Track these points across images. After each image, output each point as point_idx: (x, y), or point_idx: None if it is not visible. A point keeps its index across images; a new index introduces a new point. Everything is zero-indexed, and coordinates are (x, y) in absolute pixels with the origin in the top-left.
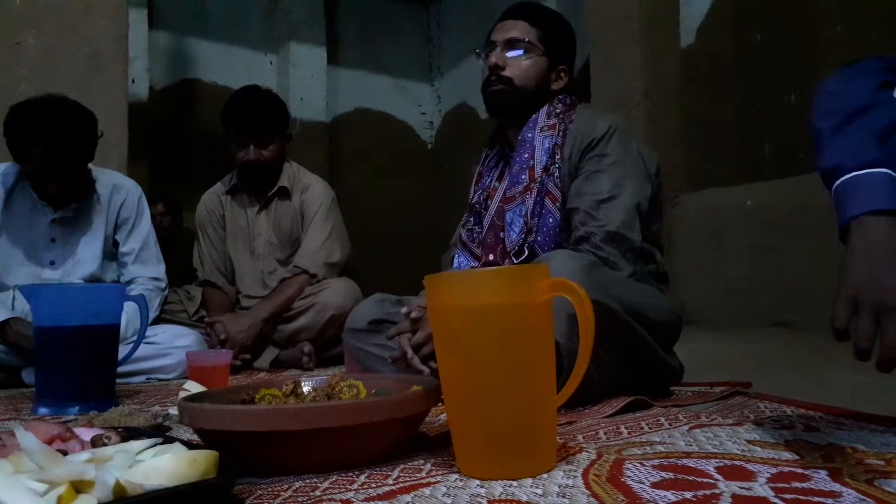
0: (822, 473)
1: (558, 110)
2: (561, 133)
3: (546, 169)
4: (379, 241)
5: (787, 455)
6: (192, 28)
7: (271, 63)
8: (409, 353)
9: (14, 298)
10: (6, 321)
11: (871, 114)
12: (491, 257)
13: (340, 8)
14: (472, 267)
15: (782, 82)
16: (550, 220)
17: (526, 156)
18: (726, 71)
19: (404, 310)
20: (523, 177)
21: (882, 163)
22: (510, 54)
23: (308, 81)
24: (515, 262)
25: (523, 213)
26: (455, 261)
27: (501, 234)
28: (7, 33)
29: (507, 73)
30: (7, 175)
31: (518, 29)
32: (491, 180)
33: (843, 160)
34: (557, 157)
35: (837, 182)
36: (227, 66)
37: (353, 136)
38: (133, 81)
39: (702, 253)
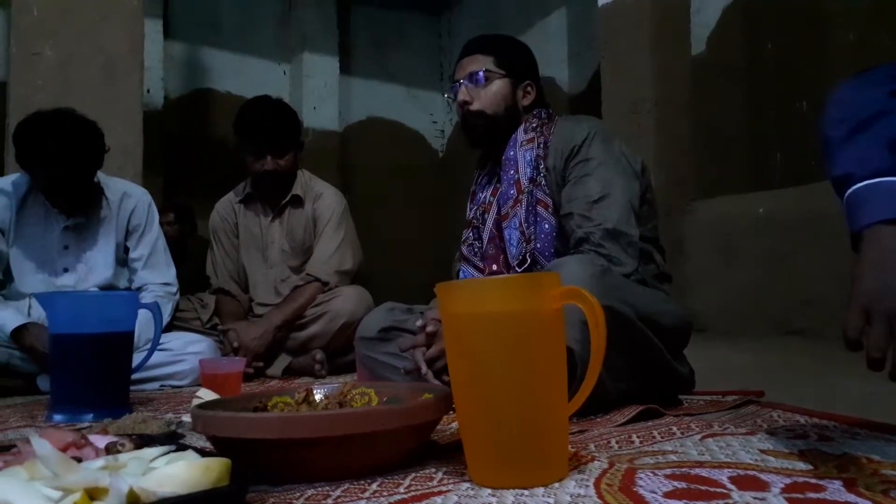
0: (837, 484)
1: (534, 124)
2: (541, 145)
3: (532, 179)
4: (390, 248)
5: (801, 465)
6: (206, 38)
7: (284, 73)
8: (424, 368)
9: (30, 307)
10: (23, 325)
11: (882, 122)
12: (494, 267)
13: (353, 18)
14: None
15: (793, 90)
16: (546, 226)
17: (512, 172)
18: (737, 79)
19: (419, 323)
20: (512, 191)
21: (894, 171)
22: (473, 87)
23: (321, 91)
24: (519, 271)
25: (518, 225)
26: (460, 275)
27: (502, 244)
28: (24, 43)
29: (476, 106)
30: (19, 184)
31: (475, 63)
32: (485, 196)
33: (854, 168)
34: (542, 167)
35: (849, 190)
36: (241, 75)
37: (364, 145)
38: (148, 91)
39: (712, 260)
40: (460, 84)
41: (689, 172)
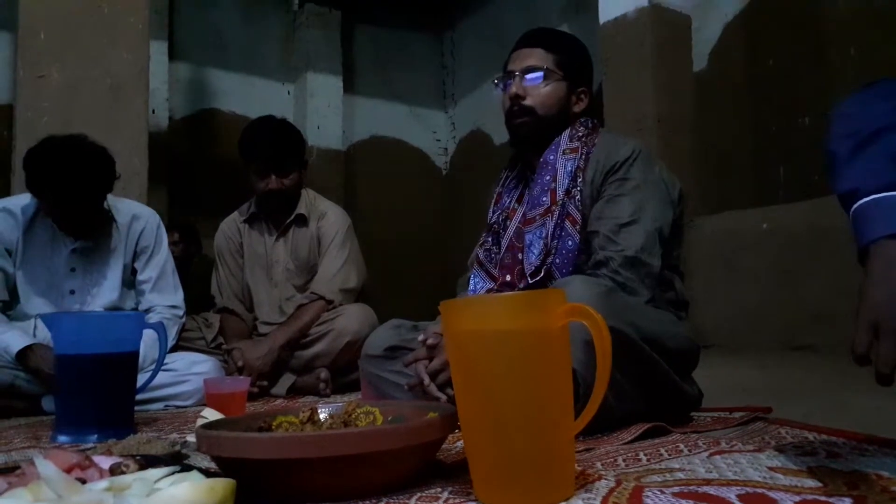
0: (847, 501)
1: (580, 133)
2: (583, 156)
3: (568, 192)
4: (394, 266)
5: (810, 482)
6: (211, 59)
7: (289, 92)
8: (426, 380)
9: (35, 328)
10: (28, 347)
11: (888, 137)
12: (508, 278)
13: (356, 38)
14: (489, 288)
15: (796, 105)
16: (570, 242)
17: (547, 178)
18: (739, 94)
19: (421, 337)
20: (544, 199)
21: None
22: (529, 82)
23: (324, 110)
24: (531, 282)
25: (543, 235)
26: (471, 281)
27: (520, 255)
28: (31, 66)
29: (528, 102)
30: (27, 206)
31: (534, 57)
32: (510, 201)
33: (861, 183)
34: (580, 179)
35: (856, 205)
36: (246, 96)
37: (368, 163)
38: (153, 112)
39: (717, 276)
40: (515, 75)
41: (692, 188)
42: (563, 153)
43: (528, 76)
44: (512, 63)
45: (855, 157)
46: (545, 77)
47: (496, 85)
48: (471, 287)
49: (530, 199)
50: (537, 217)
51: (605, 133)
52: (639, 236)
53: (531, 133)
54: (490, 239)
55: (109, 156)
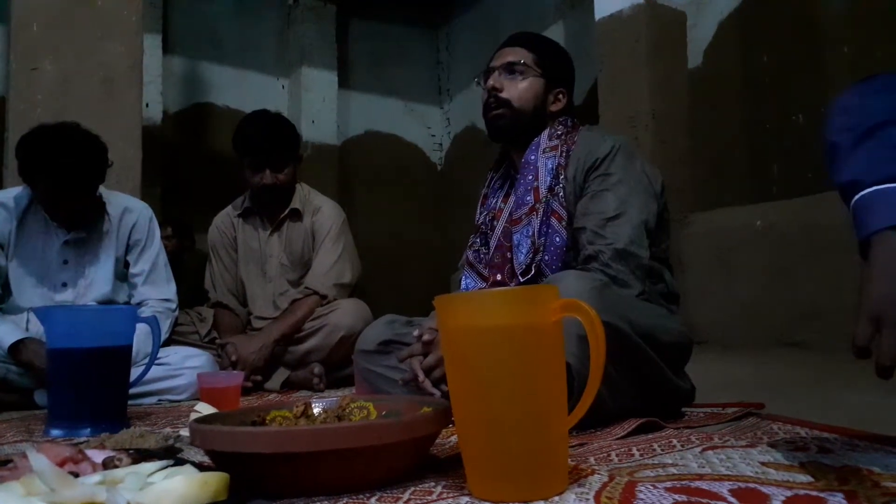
0: (838, 496)
1: (559, 132)
2: (563, 154)
3: (550, 189)
4: (389, 262)
5: (801, 477)
6: (205, 53)
7: (283, 87)
8: (421, 376)
9: (28, 321)
10: (21, 341)
11: (889, 129)
12: (499, 277)
13: (351, 33)
14: (480, 288)
15: (790, 102)
16: (557, 239)
17: (530, 177)
18: (734, 91)
19: (416, 332)
20: (528, 198)
21: None
22: (506, 76)
23: (319, 105)
24: (522, 280)
25: (530, 233)
26: (462, 282)
27: (509, 254)
28: (25, 59)
29: (504, 94)
30: (20, 198)
31: (515, 53)
32: (496, 201)
33: (862, 175)
34: (561, 177)
35: (857, 197)
36: (240, 90)
37: (363, 159)
38: (147, 105)
39: (711, 273)
40: (494, 70)
41: (686, 185)
42: (544, 152)
43: (507, 70)
44: (494, 60)
45: (857, 149)
46: (523, 72)
47: (478, 83)
48: (462, 287)
49: (516, 199)
50: (523, 216)
51: (586, 130)
52: (626, 229)
53: (508, 126)
54: (478, 240)
55: (102, 143)
